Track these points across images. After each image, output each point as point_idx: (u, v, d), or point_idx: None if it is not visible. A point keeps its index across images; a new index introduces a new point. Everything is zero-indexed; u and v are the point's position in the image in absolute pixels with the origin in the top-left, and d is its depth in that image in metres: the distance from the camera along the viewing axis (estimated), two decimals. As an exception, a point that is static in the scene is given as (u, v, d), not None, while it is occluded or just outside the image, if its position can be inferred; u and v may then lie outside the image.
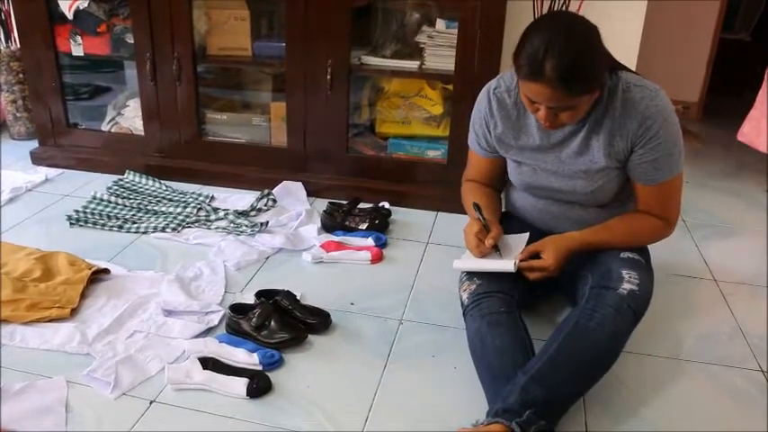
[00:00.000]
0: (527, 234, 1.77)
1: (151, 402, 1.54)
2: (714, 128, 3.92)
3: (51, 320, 1.81)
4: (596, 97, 1.55)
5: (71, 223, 2.40)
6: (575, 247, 1.69)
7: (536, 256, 1.67)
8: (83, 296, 1.92)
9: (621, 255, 1.67)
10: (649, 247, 1.78)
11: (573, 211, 1.78)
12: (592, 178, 1.68)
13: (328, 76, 2.50)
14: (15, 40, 3.11)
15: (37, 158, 2.97)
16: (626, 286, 1.57)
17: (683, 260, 2.29)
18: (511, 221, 1.88)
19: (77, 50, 2.80)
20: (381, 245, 2.25)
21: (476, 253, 1.71)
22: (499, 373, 1.51)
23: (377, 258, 2.17)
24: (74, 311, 1.86)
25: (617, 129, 1.60)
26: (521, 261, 1.66)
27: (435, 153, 2.64)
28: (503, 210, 1.93)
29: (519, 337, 1.59)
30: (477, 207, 1.76)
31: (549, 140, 1.69)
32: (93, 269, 2.01)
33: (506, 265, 1.65)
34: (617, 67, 1.62)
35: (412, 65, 2.53)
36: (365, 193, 2.55)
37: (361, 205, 2.45)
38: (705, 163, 3.33)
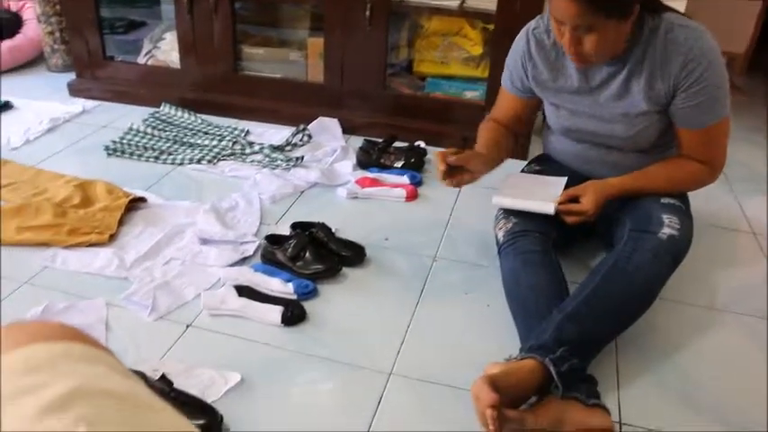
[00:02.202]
0: (565, 178, 1.74)
1: (187, 326, 1.57)
2: (759, 82, 3.80)
3: (90, 245, 1.84)
4: (629, 30, 1.50)
5: (108, 153, 2.42)
6: (614, 193, 1.66)
7: (575, 200, 1.65)
8: (120, 223, 1.94)
9: (662, 200, 1.64)
10: (689, 195, 1.74)
11: (611, 156, 1.74)
12: (631, 122, 1.64)
13: (367, 13, 2.46)
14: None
15: (74, 90, 2.98)
16: (666, 231, 1.54)
17: (721, 211, 2.25)
18: (549, 165, 1.86)
19: (115, -19, 2.78)
20: (416, 183, 2.24)
21: (439, 167, 1.60)
22: (533, 312, 1.50)
23: (411, 196, 2.16)
24: (112, 237, 1.88)
25: (658, 70, 1.55)
26: (560, 204, 1.63)
27: (473, 94, 2.60)
28: (543, 153, 1.90)
29: (554, 276, 1.58)
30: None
31: (587, 83, 1.65)
32: (131, 197, 2.03)
33: (546, 206, 1.63)
34: (661, 7, 1.56)
35: (452, 3, 2.47)
36: (401, 131, 2.52)
37: (397, 144, 2.43)
38: (747, 117, 3.23)
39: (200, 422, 1.25)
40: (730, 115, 1.62)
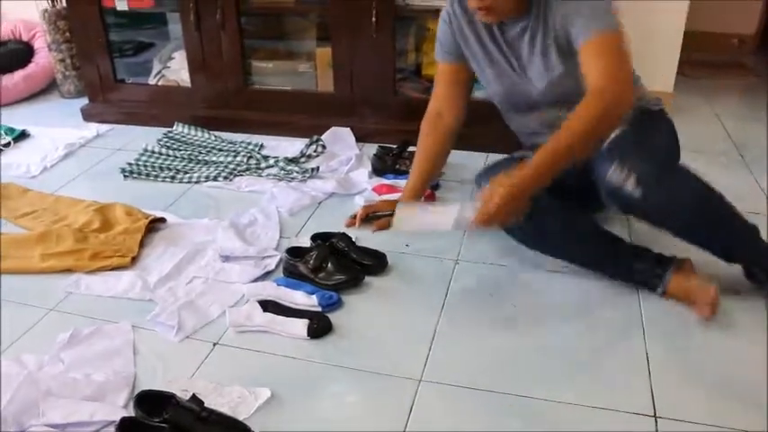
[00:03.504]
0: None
1: (214, 344, 1.57)
2: (771, 61, 3.76)
3: (113, 269, 1.85)
4: None
5: (125, 176, 2.43)
6: (518, 179, 1.47)
7: None
8: (141, 245, 1.95)
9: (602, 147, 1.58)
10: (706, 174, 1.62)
11: (555, 117, 1.64)
12: (550, 74, 1.64)
13: (373, 19, 2.46)
14: (61, -1, 3.13)
15: (88, 115, 3.00)
16: (628, 186, 1.50)
17: (742, 194, 2.19)
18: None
19: (121, 5, 2.80)
20: (433, 187, 2.23)
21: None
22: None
23: (429, 200, 2.15)
24: (134, 260, 1.89)
25: (554, 17, 1.57)
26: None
27: (483, 94, 2.58)
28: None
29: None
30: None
31: (504, 42, 1.69)
32: (150, 218, 2.04)
33: (445, 222, 1.59)
34: None
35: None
36: (414, 136, 2.48)
37: (411, 148, 2.41)
38: (761, 96, 3.20)
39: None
40: (622, 33, 1.52)
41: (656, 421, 1.33)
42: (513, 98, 1.78)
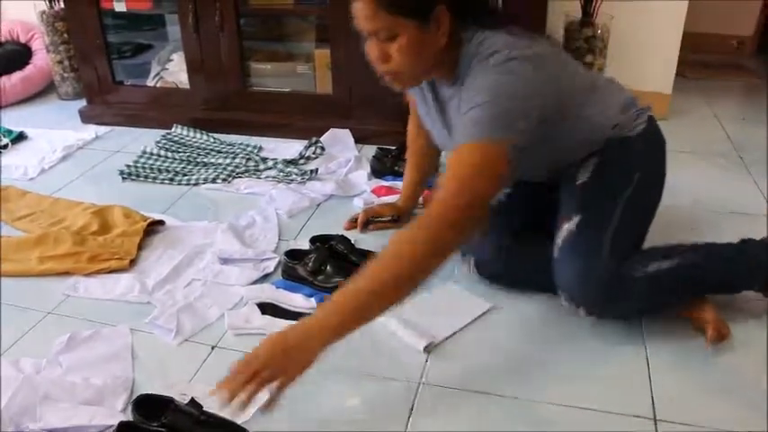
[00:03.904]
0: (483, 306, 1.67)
1: (213, 348, 1.56)
2: (769, 63, 3.76)
3: (111, 271, 1.84)
4: (442, 43, 1.35)
5: (123, 178, 2.43)
6: (292, 344, 1.23)
7: None
8: (140, 247, 1.94)
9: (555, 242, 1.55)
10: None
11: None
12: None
13: (372, 20, 2.45)
14: (59, 0, 3.12)
15: (86, 117, 3.00)
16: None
17: (743, 198, 2.21)
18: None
19: (120, 6, 2.80)
20: (432, 188, 2.22)
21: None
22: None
23: (429, 201, 2.14)
24: (132, 262, 1.88)
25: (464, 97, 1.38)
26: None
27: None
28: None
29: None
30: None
31: (439, 97, 1.55)
32: (149, 221, 2.03)
33: (418, 342, 1.54)
34: (486, 20, 1.39)
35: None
36: (413, 138, 2.51)
37: (410, 150, 2.41)
38: (761, 98, 3.20)
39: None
40: (504, 151, 1.29)
41: (656, 424, 1.32)
42: (444, 149, 1.76)
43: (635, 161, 1.58)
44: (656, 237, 1.65)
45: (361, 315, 1.25)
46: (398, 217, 2.00)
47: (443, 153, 1.91)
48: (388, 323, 1.60)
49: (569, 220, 1.53)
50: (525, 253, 1.68)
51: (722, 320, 1.53)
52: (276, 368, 1.20)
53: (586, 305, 1.51)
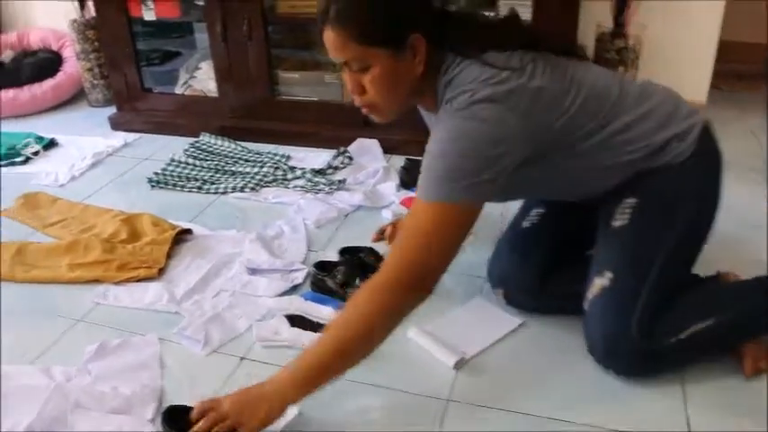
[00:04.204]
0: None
1: (241, 359, 1.56)
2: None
3: (140, 280, 1.85)
4: (418, 71, 1.29)
5: (152, 185, 2.44)
6: (271, 395, 1.25)
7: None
8: (168, 256, 1.95)
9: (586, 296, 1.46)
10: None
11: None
12: None
13: (401, 30, 2.44)
14: (90, 9, 3.15)
15: (115, 124, 3.02)
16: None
17: (759, 211, 2.16)
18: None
19: (149, 15, 2.82)
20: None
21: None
22: None
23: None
24: (161, 271, 1.89)
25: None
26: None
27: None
28: None
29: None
30: None
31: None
32: (177, 230, 2.04)
33: (449, 358, 1.53)
34: (476, 50, 1.29)
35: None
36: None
37: (439, 161, 2.40)
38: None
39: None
40: (456, 208, 1.25)
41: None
42: None
43: (679, 201, 1.42)
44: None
45: (327, 374, 1.27)
46: None
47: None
48: (418, 339, 1.58)
49: (601, 276, 1.42)
50: (557, 286, 1.61)
51: (762, 348, 1.45)
52: (237, 418, 1.22)
53: (616, 371, 1.45)
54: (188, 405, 1.32)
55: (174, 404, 1.36)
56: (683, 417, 1.36)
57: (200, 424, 1.22)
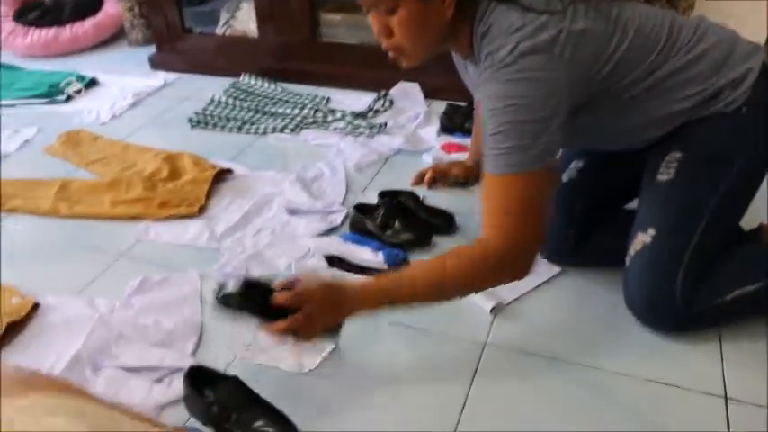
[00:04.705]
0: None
1: (280, 297, 1.57)
2: None
3: (181, 218, 1.86)
4: (448, 14, 1.22)
5: (192, 125, 2.44)
6: (349, 301, 1.23)
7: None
8: (208, 195, 1.95)
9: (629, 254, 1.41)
10: None
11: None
12: None
13: (446, -29, 2.38)
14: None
15: (155, 64, 3.02)
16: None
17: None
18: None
19: (191, -48, 2.79)
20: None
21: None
22: None
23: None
24: (201, 209, 1.90)
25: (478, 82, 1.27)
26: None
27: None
28: None
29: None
30: None
31: (469, 72, 1.45)
32: (218, 169, 2.04)
33: (486, 303, 1.51)
34: None
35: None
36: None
37: (481, 107, 2.36)
38: None
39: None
40: (533, 175, 1.20)
41: (727, 402, 1.27)
42: None
43: (728, 154, 1.34)
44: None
45: (397, 303, 1.27)
46: (466, 178, 1.95)
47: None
48: None
49: (644, 232, 1.37)
50: (597, 242, 1.58)
51: None
52: (319, 317, 1.21)
53: (654, 328, 1.42)
54: (212, 369, 1.30)
55: (197, 365, 1.30)
56: (718, 372, 1.34)
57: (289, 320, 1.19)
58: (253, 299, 1.21)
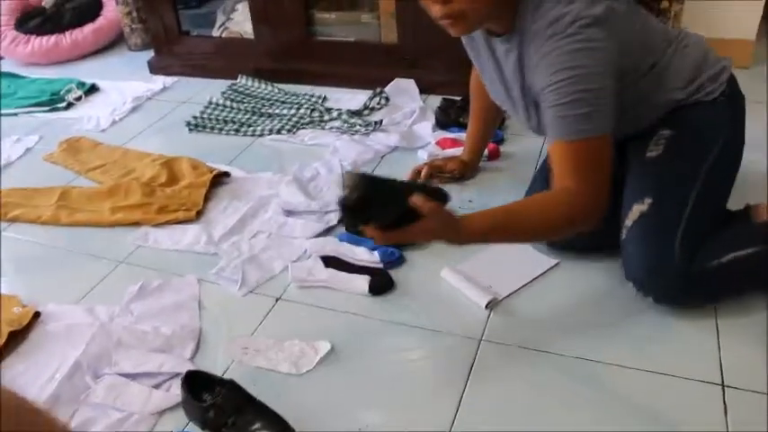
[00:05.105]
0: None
1: (277, 300, 1.59)
2: None
3: (179, 222, 1.88)
4: None
5: (190, 129, 2.46)
6: (459, 233, 1.27)
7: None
8: (206, 199, 1.97)
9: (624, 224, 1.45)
10: None
11: None
12: (528, 108, 1.47)
13: (438, -35, 2.38)
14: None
15: (154, 68, 3.04)
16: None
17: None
18: None
19: (186, -44, 2.80)
20: (498, 141, 2.17)
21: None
22: None
23: (494, 155, 2.10)
24: (199, 214, 1.92)
25: (528, 55, 1.33)
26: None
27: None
28: None
29: None
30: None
31: (494, 53, 1.47)
32: (215, 173, 2.06)
33: (481, 298, 1.52)
34: None
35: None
36: (479, 88, 2.45)
37: (476, 101, 2.36)
38: None
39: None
40: (603, 138, 1.28)
41: (724, 390, 1.28)
42: (502, 106, 1.66)
43: (711, 133, 1.46)
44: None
45: (500, 239, 1.39)
46: (462, 173, 1.97)
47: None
48: (451, 278, 1.59)
49: (640, 202, 1.42)
50: None
51: None
52: (439, 230, 1.24)
53: (656, 295, 1.43)
54: (208, 373, 1.32)
55: (194, 369, 1.32)
56: (715, 360, 1.34)
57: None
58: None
